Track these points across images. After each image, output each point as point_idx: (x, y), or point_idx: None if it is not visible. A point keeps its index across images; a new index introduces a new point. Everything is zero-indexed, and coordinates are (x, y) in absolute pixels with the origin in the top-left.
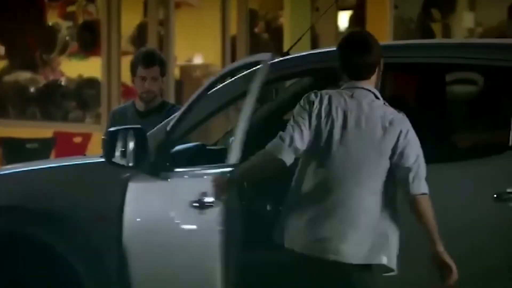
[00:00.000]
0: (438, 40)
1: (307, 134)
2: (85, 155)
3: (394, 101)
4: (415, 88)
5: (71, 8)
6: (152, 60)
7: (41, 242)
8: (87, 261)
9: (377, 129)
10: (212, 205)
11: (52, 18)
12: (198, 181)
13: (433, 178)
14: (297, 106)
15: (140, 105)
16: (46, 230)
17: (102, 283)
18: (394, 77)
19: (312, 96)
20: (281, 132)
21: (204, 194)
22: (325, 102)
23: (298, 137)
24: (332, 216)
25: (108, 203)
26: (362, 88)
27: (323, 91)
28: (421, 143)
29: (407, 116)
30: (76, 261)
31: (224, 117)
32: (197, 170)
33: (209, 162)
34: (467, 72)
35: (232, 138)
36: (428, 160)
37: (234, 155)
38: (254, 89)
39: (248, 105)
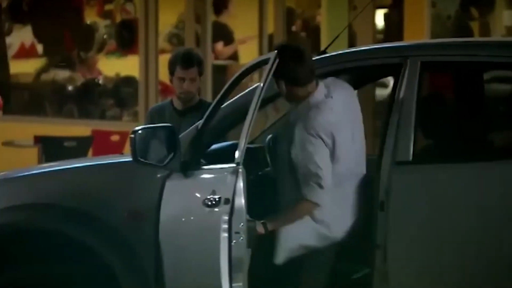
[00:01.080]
0: (476, 38)
1: (330, 166)
2: (122, 153)
3: (431, 99)
4: (453, 87)
5: (109, 7)
6: (190, 61)
7: (77, 241)
8: (123, 261)
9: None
10: None
11: (90, 17)
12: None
13: (470, 176)
14: (310, 145)
15: (178, 104)
16: (82, 229)
17: (139, 283)
18: (431, 76)
19: (320, 126)
20: (314, 179)
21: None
22: (332, 119)
23: (328, 176)
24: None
25: (144, 202)
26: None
27: (321, 118)
28: (458, 141)
29: (445, 114)
30: (113, 260)
31: (261, 115)
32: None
33: (246, 161)
34: (505, 70)
35: (270, 136)
36: (466, 158)
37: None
38: (260, 86)
39: (253, 103)
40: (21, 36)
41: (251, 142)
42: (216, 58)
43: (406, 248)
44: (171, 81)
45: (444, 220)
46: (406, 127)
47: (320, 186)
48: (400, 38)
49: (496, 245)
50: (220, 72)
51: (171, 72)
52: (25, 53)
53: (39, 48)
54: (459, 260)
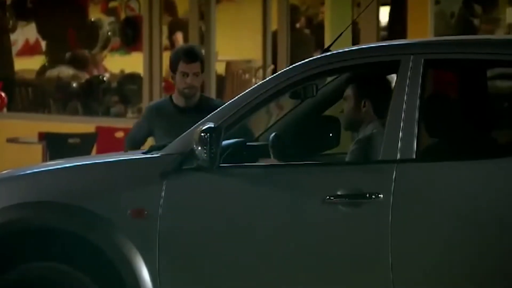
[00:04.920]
0: (479, 36)
1: None
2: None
3: (434, 97)
4: (456, 84)
5: (113, 4)
6: (194, 55)
7: (80, 238)
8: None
9: None
10: None
11: (94, 14)
12: None
13: (472, 174)
14: None
15: (180, 101)
16: (85, 227)
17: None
18: (435, 73)
19: None
20: None
21: None
22: None
23: None
24: None
25: (150, 201)
26: None
27: None
28: (462, 139)
29: (449, 112)
30: (117, 261)
31: (265, 112)
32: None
33: (250, 159)
34: (509, 68)
35: (273, 133)
36: (470, 156)
37: None
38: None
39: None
40: (26, 33)
41: (255, 140)
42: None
43: (409, 246)
44: (172, 78)
45: (448, 218)
46: (409, 125)
47: None
48: (403, 35)
49: (502, 244)
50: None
51: (173, 69)
52: (30, 50)
53: (43, 45)
54: (463, 259)
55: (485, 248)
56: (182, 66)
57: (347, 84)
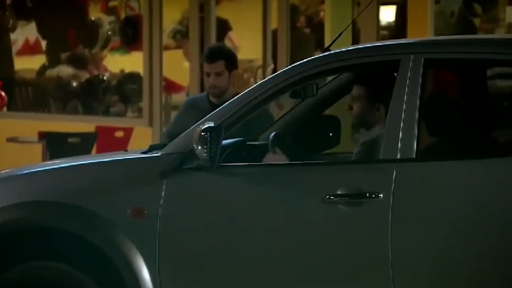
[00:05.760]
0: (479, 35)
1: None
2: (126, 150)
3: (434, 96)
4: (456, 84)
5: (113, 3)
6: (215, 55)
7: (80, 238)
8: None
9: None
10: None
11: (94, 13)
12: None
13: (472, 173)
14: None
15: (213, 98)
16: (85, 226)
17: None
18: (435, 73)
19: None
20: None
21: None
22: None
23: None
24: None
25: (150, 200)
26: None
27: None
28: (462, 138)
29: (448, 112)
30: (117, 261)
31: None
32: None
33: (250, 158)
34: (509, 67)
35: (273, 133)
36: (470, 155)
37: None
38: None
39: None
40: (26, 32)
41: (254, 139)
42: None
43: (409, 246)
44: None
45: (447, 217)
46: (410, 124)
47: None
48: (404, 35)
49: (502, 244)
50: None
51: (202, 69)
52: (30, 49)
53: (44, 44)
54: (463, 258)
55: (485, 248)
56: (205, 67)
57: (358, 84)
